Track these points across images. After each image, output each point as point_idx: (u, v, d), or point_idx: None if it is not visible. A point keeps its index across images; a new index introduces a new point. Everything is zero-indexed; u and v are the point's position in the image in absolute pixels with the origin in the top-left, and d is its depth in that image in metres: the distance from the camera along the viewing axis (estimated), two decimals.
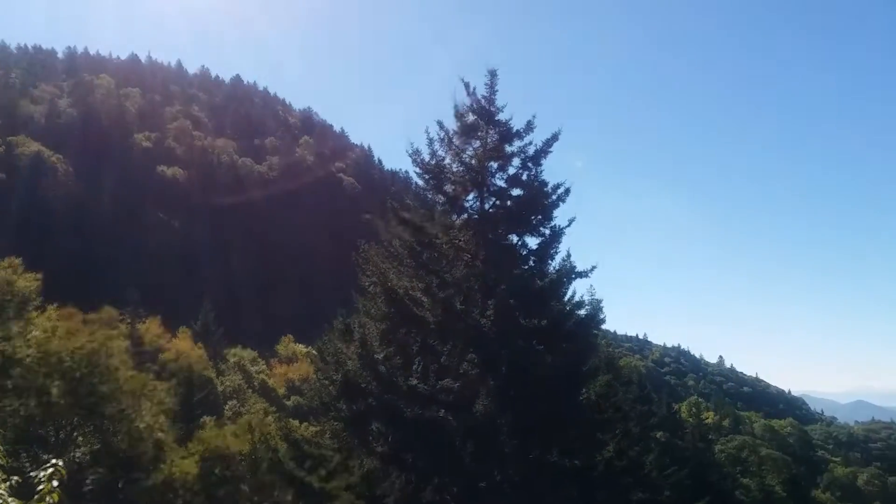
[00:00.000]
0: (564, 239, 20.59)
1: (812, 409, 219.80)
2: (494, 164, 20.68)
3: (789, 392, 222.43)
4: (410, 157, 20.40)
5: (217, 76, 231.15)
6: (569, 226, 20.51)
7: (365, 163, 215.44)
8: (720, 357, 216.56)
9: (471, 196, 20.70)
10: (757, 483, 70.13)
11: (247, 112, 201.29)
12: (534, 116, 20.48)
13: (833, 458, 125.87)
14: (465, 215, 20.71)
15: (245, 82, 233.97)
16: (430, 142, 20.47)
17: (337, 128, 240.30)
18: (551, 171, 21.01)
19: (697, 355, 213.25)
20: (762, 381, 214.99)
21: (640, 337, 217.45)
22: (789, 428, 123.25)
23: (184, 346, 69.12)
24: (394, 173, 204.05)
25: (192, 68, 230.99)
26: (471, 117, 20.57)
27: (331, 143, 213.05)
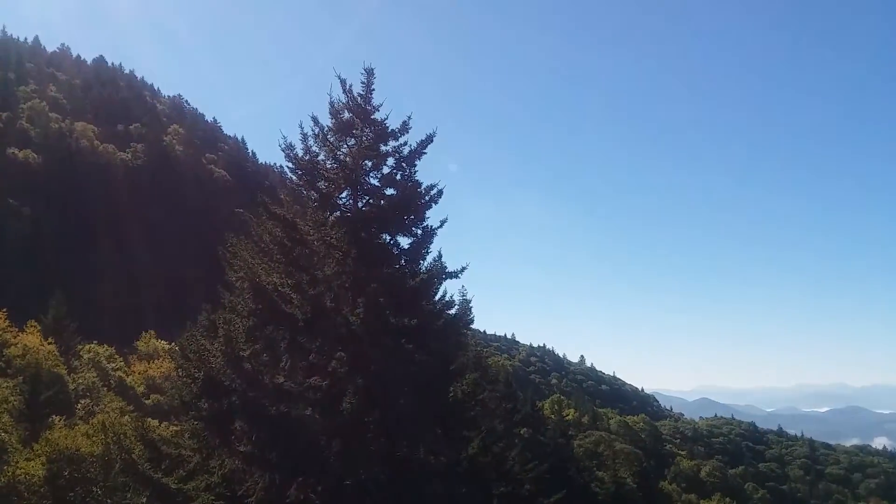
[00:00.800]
0: (436, 240, 20.98)
1: (663, 405, 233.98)
2: (369, 163, 20.77)
3: (643, 390, 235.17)
4: (283, 151, 20.15)
5: (78, 56, 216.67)
6: (441, 227, 20.89)
7: (238, 155, 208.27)
8: (582, 357, 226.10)
9: (344, 194, 20.70)
10: (610, 476, 73.75)
11: (110, 95, 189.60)
12: (409, 117, 20.73)
13: (680, 452, 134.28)
14: (338, 213, 20.67)
15: (109, 64, 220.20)
16: (305, 137, 20.29)
17: (209, 117, 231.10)
18: (425, 173, 21.33)
19: (561, 355, 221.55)
20: (619, 379, 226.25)
21: (509, 337, 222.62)
22: (642, 423, 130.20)
23: (32, 341, 64.58)
24: (268, 167, 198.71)
25: (50, 46, 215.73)
26: (346, 115, 20.57)
27: (202, 132, 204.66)
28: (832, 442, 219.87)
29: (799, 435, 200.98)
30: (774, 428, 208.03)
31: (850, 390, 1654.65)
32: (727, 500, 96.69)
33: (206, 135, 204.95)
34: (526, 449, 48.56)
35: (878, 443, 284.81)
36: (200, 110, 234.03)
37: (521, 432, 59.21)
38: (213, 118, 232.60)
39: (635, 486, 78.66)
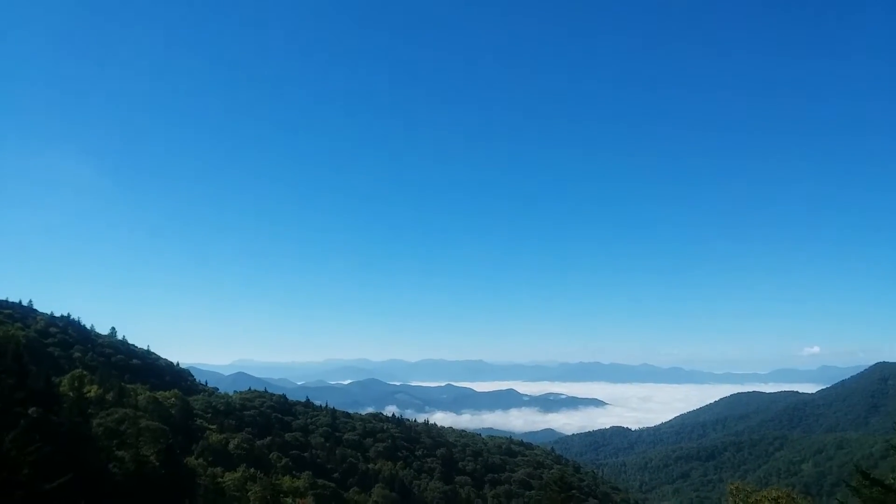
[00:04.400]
0: None
1: (198, 380, 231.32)
2: None
3: (178, 364, 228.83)
4: None
5: None
6: None
7: None
8: (112, 329, 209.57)
9: None
10: (132, 454, 69.76)
11: None
12: None
13: (210, 426, 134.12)
14: None
15: None
16: None
17: None
18: None
19: (88, 326, 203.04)
20: (153, 353, 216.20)
21: (25, 304, 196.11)
22: (173, 399, 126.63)
23: None
24: None
25: None
26: None
27: None
28: (352, 411, 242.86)
29: (324, 405, 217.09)
30: (303, 399, 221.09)
31: (371, 365, 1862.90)
32: (252, 470, 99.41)
33: None
34: (33, 429, 43.31)
35: (389, 410, 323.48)
36: None
37: (31, 412, 52.76)
38: None
39: (159, 463, 75.80)
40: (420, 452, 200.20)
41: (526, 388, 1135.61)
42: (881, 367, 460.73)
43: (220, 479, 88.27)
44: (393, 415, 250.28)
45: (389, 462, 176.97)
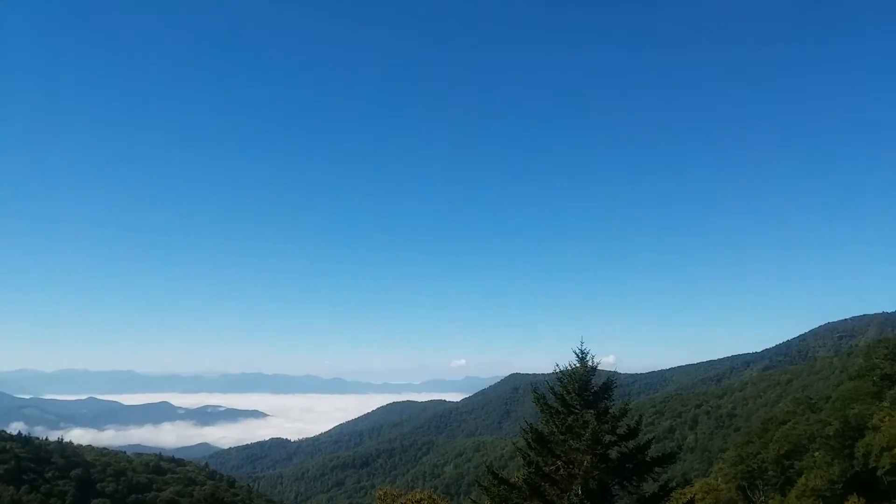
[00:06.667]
0: None
1: None
2: None
3: None
4: None
5: None
6: None
7: None
8: None
9: None
10: None
11: None
12: None
13: None
14: None
15: None
16: None
17: None
18: None
19: None
20: None
21: None
22: None
23: None
24: None
25: None
26: None
27: None
28: None
29: None
30: None
31: None
32: None
33: None
34: None
35: (15, 428, 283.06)
36: None
37: None
38: None
39: None
40: (51, 474, 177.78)
41: (182, 400, 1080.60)
42: (514, 377, 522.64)
43: None
44: (19, 433, 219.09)
45: (11, 487, 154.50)
